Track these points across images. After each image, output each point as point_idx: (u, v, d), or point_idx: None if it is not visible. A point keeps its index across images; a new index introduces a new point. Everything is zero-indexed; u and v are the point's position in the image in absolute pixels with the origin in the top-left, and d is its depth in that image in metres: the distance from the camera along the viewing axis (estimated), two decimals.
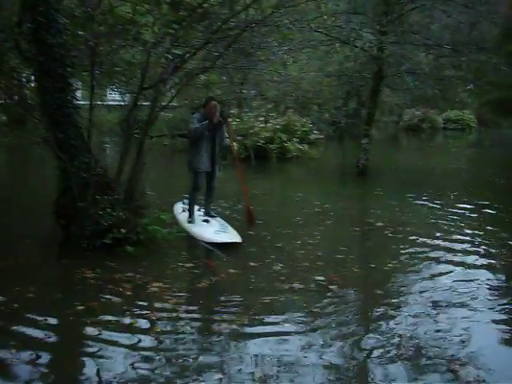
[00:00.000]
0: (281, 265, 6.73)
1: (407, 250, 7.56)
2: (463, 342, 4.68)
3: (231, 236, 7.72)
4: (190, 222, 8.33)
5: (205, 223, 8.29)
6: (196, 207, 8.77)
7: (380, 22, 13.65)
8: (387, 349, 4.50)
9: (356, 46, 14.63)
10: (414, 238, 8.16)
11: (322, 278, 6.21)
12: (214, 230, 7.89)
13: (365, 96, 26.04)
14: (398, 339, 4.68)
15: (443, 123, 40.58)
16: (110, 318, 5.03)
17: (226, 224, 8.31)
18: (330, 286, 5.95)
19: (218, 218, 8.60)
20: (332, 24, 11.91)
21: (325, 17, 9.58)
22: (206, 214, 8.63)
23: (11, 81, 8.08)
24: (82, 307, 5.20)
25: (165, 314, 5.14)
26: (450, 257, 7.26)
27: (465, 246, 7.85)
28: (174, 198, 9.62)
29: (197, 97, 17.34)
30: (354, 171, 15.09)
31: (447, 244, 7.86)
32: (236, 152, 8.65)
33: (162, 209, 7.99)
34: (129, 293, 5.65)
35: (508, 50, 16.19)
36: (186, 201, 8.96)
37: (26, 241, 7.53)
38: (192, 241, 7.80)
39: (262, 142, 17.69)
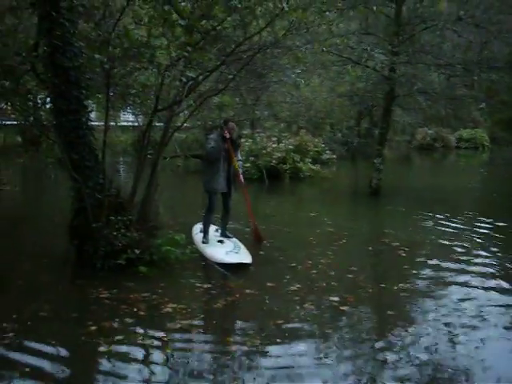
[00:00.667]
0: (296, 285, 6.72)
1: (420, 271, 7.54)
2: (478, 363, 4.65)
3: (241, 257, 7.71)
4: (204, 242, 8.35)
5: (219, 244, 8.32)
6: (213, 227, 8.85)
7: (391, 42, 13.69)
8: (401, 371, 4.48)
9: (368, 67, 14.69)
10: (427, 258, 8.13)
11: (336, 298, 6.19)
12: (226, 251, 7.90)
13: (377, 116, 26.14)
14: (414, 363, 4.64)
15: (456, 142, 40.46)
16: (121, 337, 5.06)
17: (240, 245, 8.31)
18: (343, 307, 5.94)
19: (234, 239, 8.60)
20: (344, 45, 11.97)
21: (337, 40, 9.59)
22: (222, 234, 8.66)
23: (27, 103, 8.19)
24: (94, 327, 5.24)
25: (178, 335, 5.16)
26: (464, 278, 7.21)
27: (479, 267, 7.77)
28: (188, 219, 9.68)
29: (210, 118, 17.51)
30: (367, 191, 15.05)
31: (461, 264, 7.82)
32: (239, 171, 8.63)
33: (176, 229, 8.03)
34: (142, 313, 5.68)
35: None
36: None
37: (40, 260, 7.59)
38: (206, 261, 7.82)
39: (274, 162, 17.72)
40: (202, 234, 8.58)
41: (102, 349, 4.82)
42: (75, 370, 4.57)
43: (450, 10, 14.52)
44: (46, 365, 4.53)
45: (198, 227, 9.10)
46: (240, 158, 8.62)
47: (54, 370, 4.46)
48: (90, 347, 4.90)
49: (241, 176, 8.62)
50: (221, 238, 8.51)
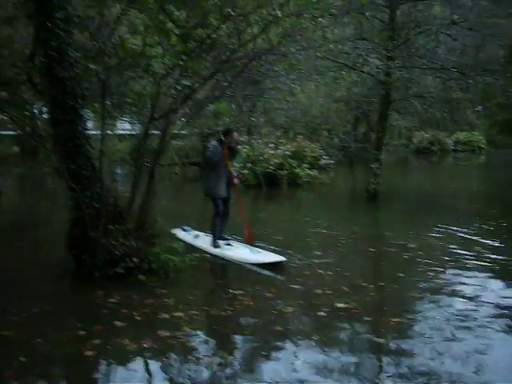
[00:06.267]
0: (296, 291, 6.74)
1: (422, 275, 7.52)
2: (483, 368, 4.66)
3: (274, 256, 7.91)
4: (216, 246, 8.51)
5: (229, 246, 8.53)
6: (200, 232, 9.05)
7: (386, 47, 13.76)
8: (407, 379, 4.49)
9: (363, 72, 14.75)
10: (427, 262, 8.11)
11: (341, 305, 6.15)
12: (249, 251, 8.16)
13: (373, 120, 26.17)
14: (420, 369, 4.63)
15: (453, 145, 40.56)
16: (117, 343, 5.08)
17: (246, 244, 8.60)
18: (342, 313, 5.95)
19: (233, 240, 8.84)
20: (339, 50, 12.01)
21: (331, 45, 9.63)
22: (220, 238, 8.75)
23: (24, 113, 8.23)
24: (84, 332, 5.29)
25: (174, 342, 5.13)
26: (466, 281, 7.19)
27: (482, 268, 7.79)
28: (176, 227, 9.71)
29: (206, 125, 17.55)
30: (365, 195, 15.07)
31: (463, 269, 7.78)
32: (233, 174, 8.85)
33: (174, 237, 8.04)
34: (139, 318, 5.71)
35: None
36: (186, 227, 9.42)
37: (37, 270, 7.62)
38: (205, 267, 7.84)
39: (272, 168, 17.73)
40: (204, 239, 8.83)
41: (88, 353, 4.84)
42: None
43: (444, 14, 14.60)
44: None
45: (181, 234, 9.32)
46: (235, 163, 8.73)
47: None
48: (76, 350, 4.94)
49: (235, 179, 8.87)
50: (228, 242, 8.68)
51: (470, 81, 14.98)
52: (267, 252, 8.23)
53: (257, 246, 8.57)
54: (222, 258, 8.27)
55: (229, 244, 8.63)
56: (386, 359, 4.87)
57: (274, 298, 6.45)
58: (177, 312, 5.86)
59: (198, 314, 5.95)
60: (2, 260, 8.21)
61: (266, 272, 7.62)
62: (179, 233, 9.42)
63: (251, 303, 6.27)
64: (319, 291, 6.68)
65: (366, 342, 5.26)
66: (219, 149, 8.42)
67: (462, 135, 40.92)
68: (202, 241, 8.86)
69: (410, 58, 14.42)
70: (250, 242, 8.80)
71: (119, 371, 4.65)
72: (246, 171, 17.01)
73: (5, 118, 9.61)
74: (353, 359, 4.84)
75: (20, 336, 5.27)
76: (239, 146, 9.23)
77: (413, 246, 9.18)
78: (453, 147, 40.37)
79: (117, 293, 6.42)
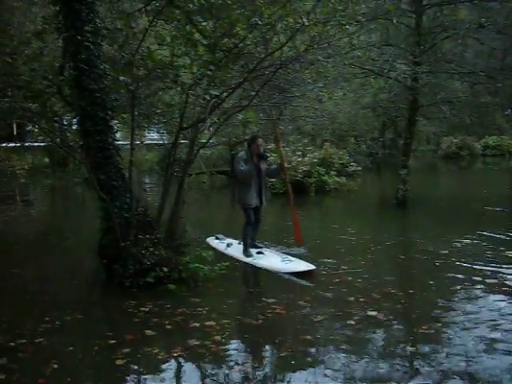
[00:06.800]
0: (328, 298, 6.72)
1: (453, 282, 7.42)
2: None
3: (305, 264, 7.94)
4: (248, 255, 8.56)
5: (261, 255, 8.57)
6: (236, 241, 9.12)
7: (413, 52, 13.67)
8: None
9: (390, 78, 14.66)
10: (459, 269, 8.00)
11: (373, 313, 6.09)
12: (281, 260, 8.22)
13: (401, 126, 26.02)
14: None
15: (482, 150, 40.11)
16: (147, 351, 5.11)
17: (278, 252, 8.73)
18: (372, 321, 5.90)
19: (264, 248, 8.92)
20: (365, 57, 11.97)
21: (359, 53, 9.60)
22: (253, 245, 8.81)
23: (54, 125, 8.35)
24: (114, 340, 5.36)
25: (204, 350, 5.13)
26: (498, 290, 7.02)
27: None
28: (210, 235, 9.76)
29: (234, 134, 17.60)
30: (394, 202, 14.95)
31: (496, 277, 7.62)
32: (286, 173, 9.12)
33: (203, 247, 8.08)
34: (169, 327, 5.74)
35: None
36: (220, 236, 9.53)
37: (69, 279, 7.74)
38: (235, 275, 7.85)
39: (299, 176, 17.71)
40: (236, 248, 8.91)
41: (119, 362, 4.88)
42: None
43: (471, 18, 14.44)
44: None
45: (215, 242, 9.46)
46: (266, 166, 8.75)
47: None
48: (106, 359, 5.00)
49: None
50: (259, 250, 8.73)
51: (499, 84, 14.79)
52: (298, 260, 8.22)
53: (294, 252, 8.80)
54: (254, 267, 8.28)
55: (260, 252, 8.65)
56: (416, 367, 4.80)
57: (306, 307, 6.42)
58: (208, 321, 5.86)
59: (230, 322, 5.93)
60: (34, 269, 8.33)
61: (298, 280, 7.60)
62: (212, 241, 9.50)
63: (283, 312, 6.25)
64: (351, 299, 6.64)
65: (396, 351, 5.20)
66: (248, 161, 8.50)
67: (491, 140, 40.47)
68: (235, 249, 8.92)
69: (437, 62, 14.32)
70: (299, 241, 8.97)
71: (149, 380, 4.66)
72: (273, 179, 17.01)
73: (35, 129, 9.76)
74: (383, 368, 4.79)
75: (52, 344, 5.36)
76: (267, 154, 9.27)
77: (444, 252, 9.05)
78: (482, 152, 39.93)
79: (147, 302, 6.46)
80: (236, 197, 8.89)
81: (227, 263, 7.66)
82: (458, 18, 14.28)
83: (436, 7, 14.41)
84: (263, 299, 6.77)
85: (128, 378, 4.76)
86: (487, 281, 7.41)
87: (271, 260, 8.31)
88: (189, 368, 4.88)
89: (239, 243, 9.02)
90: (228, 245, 8.94)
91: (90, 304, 6.91)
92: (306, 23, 6.65)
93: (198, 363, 4.91)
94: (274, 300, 6.63)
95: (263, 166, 8.60)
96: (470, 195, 18.30)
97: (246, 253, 8.60)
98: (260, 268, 8.19)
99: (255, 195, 8.56)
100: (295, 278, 7.65)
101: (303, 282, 7.54)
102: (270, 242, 9.62)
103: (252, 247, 8.74)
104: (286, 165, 9.13)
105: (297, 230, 9.11)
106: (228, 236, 9.67)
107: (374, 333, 5.60)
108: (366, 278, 7.53)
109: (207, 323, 5.80)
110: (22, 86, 7.15)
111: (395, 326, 5.85)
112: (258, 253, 8.63)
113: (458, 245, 9.69)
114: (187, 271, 7.08)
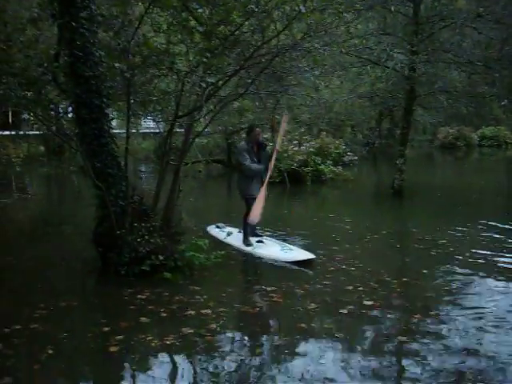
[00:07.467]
0: (326, 287, 6.72)
1: (448, 271, 7.42)
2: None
3: (305, 253, 7.95)
4: (249, 245, 8.56)
5: (261, 244, 8.58)
6: (236, 229, 9.17)
7: (410, 41, 13.62)
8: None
9: (387, 67, 14.62)
10: (455, 258, 8.01)
11: (369, 302, 6.11)
12: (280, 249, 8.22)
13: (398, 116, 25.99)
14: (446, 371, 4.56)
15: (478, 140, 40.14)
16: (141, 338, 5.11)
17: (278, 241, 8.73)
18: (366, 310, 5.91)
19: (265, 237, 8.95)
20: (362, 46, 11.93)
21: (356, 41, 9.56)
22: (253, 234, 8.83)
23: (49, 113, 8.30)
24: (108, 328, 5.37)
25: (198, 338, 5.14)
26: (494, 281, 7.02)
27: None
28: (210, 224, 9.74)
29: (230, 123, 17.55)
30: (390, 191, 14.96)
31: (492, 266, 7.64)
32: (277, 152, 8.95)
33: (199, 235, 8.07)
34: (164, 315, 5.75)
35: None
36: (220, 224, 9.50)
37: (64, 267, 7.72)
38: (231, 264, 7.85)
39: (296, 165, 17.71)
40: (237, 237, 8.91)
41: (112, 348, 4.90)
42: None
43: (469, 7, 14.38)
44: None
45: (216, 231, 9.46)
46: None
47: None
48: (100, 345, 5.03)
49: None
50: (259, 239, 8.75)
51: (496, 75, 14.74)
52: (298, 249, 8.25)
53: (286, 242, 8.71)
54: (254, 256, 8.29)
55: (261, 241, 8.66)
56: (409, 357, 4.80)
57: (304, 295, 6.43)
58: (204, 309, 5.86)
59: (227, 311, 5.93)
60: (29, 257, 8.31)
61: (296, 268, 7.62)
62: (213, 230, 9.51)
63: (280, 300, 6.25)
64: (349, 287, 6.66)
65: (389, 340, 5.21)
66: (251, 153, 8.53)
67: (487, 130, 40.52)
68: (234, 238, 8.92)
69: (434, 52, 14.25)
70: (251, 216, 8.39)
71: (142, 367, 4.67)
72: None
73: (31, 117, 9.71)
74: (375, 358, 4.78)
75: (47, 330, 5.37)
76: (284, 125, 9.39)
77: (441, 241, 9.06)
78: (478, 142, 39.96)
79: (144, 289, 6.46)
80: (237, 186, 8.91)
81: (223, 252, 7.65)
82: (456, 8, 14.21)
83: None
84: (262, 287, 6.79)
85: (121, 364, 4.78)
86: (484, 269, 7.44)
87: (271, 249, 8.32)
88: (181, 356, 4.88)
89: (239, 232, 9.03)
90: (228, 234, 8.93)
91: (86, 291, 6.95)
92: (303, 11, 6.59)
93: (190, 351, 4.91)
94: (272, 288, 6.63)
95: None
96: (467, 185, 18.33)
97: (246, 242, 8.61)
98: (260, 257, 8.20)
99: (256, 186, 8.56)
100: (294, 266, 7.66)
101: (302, 270, 7.54)
102: (267, 230, 9.62)
103: (252, 235, 8.76)
104: (279, 149, 9.12)
105: (257, 206, 8.60)
106: (227, 224, 9.65)
107: (369, 323, 5.61)
108: (363, 267, 7.54)
109: (203, 311, 5.80)
110: (16, 74, 7.08)
111: (390, 316, 5.84)
112: (258, 241, 8.63)
113: (455, 233, 9.71)
114: (183, 259, 7.07)
